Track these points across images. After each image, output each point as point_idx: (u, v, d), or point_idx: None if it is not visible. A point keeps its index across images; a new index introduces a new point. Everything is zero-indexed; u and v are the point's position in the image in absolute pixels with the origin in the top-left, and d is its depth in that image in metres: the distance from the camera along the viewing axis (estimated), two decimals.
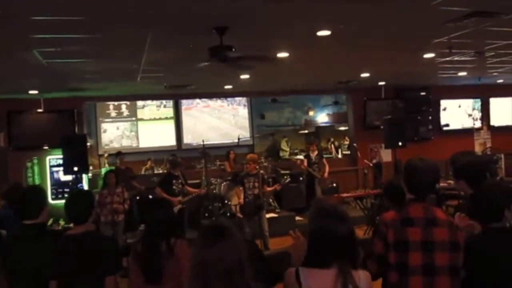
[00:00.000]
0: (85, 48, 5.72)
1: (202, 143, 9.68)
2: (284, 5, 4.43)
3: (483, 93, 12.33)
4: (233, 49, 5.02)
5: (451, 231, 2.51)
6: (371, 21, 5.19)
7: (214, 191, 9.56)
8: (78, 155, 7.35)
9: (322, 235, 2.17)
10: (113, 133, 14.70)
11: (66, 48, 5.64)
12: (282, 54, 6.56)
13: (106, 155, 12.51)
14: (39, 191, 3.47)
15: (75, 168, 7.30)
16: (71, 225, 3.16)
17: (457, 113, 12.39)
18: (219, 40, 5.04)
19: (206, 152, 9.78)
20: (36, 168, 9.69)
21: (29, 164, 9.66)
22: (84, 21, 4.58)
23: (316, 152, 9.87)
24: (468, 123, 12.51)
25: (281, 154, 14.48)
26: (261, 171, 8.08)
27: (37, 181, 9.53)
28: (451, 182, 5.68)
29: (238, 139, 12.10)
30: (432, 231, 2.49)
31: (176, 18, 4.68)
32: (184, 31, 5.13)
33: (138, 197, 9.06)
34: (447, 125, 12.27)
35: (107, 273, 2.93)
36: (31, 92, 8.68)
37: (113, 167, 9.53)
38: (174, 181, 7.75)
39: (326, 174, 9.67)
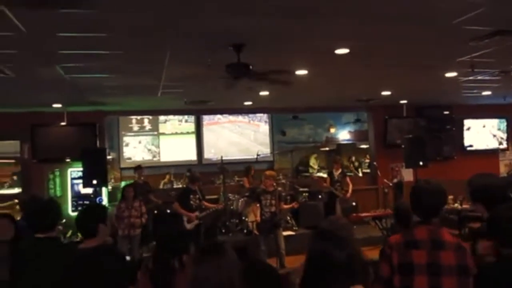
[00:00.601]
0: (106, 64, 5.83)
1: (221, 158, 9.73)
2: (301, 23, 4.44)
3: (509, 113, 12.06)
4: (250, 66, 5.03)
5: (459, 255, 2.44)
6: (390, 40, 5.15)
7: (232, 207, 9.53)
8: (97, 168, 7.44)
9: (318, 260, 2.13)
10: (135, 147, 14.87)
11: (88, 64, 5.76)
12: (301, 72, 6.56)
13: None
14: (55, 204, 3.50)
15: (94, 181, 7.39)
16: None
17: (481, 133, 12.12)
18: (237, 57, 5.07)
19: (224, 167, 9.78)
20: (57, 180, 9.85)
21: (51, 176, 9.83)
22: (105, 38, 4.68)
23: (339, 171, 9.76)
24: (492, 144, 12.20)
25: (310, 170, 14.38)
26: (279, 188, 8.01)
27: (58, 193, 9.69)
28: None
29: (257, 155, 12.07)
30: (438, 255, 2.44)
31: (194, 36, 4.73)
32: (202, 48, 5.18)
33: (155, 211, 9.09)
34: (470, 145, 11.99)
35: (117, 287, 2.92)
36: (54, 105, 8.87)
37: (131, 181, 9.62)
38: (191, 196, 7.75)
39: (349, 194, 9.53)
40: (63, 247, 3.65)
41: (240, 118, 15.52)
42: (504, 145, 12.30)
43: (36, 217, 3.33)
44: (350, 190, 9.56)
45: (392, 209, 9.40)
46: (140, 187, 8.66)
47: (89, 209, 3.45)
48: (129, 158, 14.56)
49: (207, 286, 1.91)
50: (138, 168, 9.61)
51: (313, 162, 14.85)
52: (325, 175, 10.70)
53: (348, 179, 9.80)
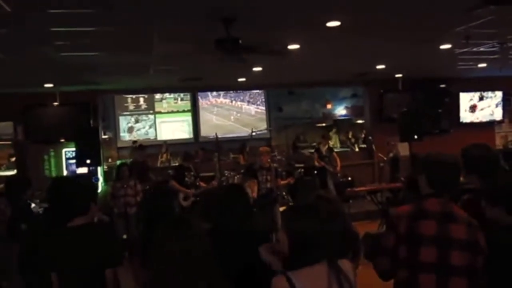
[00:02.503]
0: (96, 41, 5.75)
1: (216, 136, 9.72)
2: None
3: (505, 85, 11.97)
4: (240, 41, 4.96)
5: (470, 230, 2.34)
6: (381, 11, 5.08)
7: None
8: (91, 148, 7.41)
9: (299, 236, 2.11)
10: (131, 126, 14.82)
11: (78, 41, 5.68)
12: (293, 46, 6.48)
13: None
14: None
15: (88, 161, 7.36)
16: None
17: (477, 106, 12.08)
18: (226, 32, 5.00)
19: (219, 145, 9.77)
20: (52, 161, 9.85)
21: (46, 157, 9.82)
22: (94, 14, 4.60)
23: (326, 146, 9.82)
24: (488, 116, 12.18)
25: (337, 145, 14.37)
26: (274, 165, 8.02)
27: (53, 174, 9.69)
28: None
29: (252, 131, 12.07)
30: (448, 227, 2.34)
31: (183, 10, 4.65)
32: (191, 23, 5.10)
33: (152, 190, 9.09)
34: (467, 118, 11.97)
35: (106, 266, 2.92)
36: (46, 85, 8.79)
37: (127, 160, 9.61)
38: (186, 173, 7.76)
39: (338, 168, 9.60)
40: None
41: (221, 98, 15.38)
42: (500, 118, 12.27)
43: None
44: (338, 165, 9.61)
45: (387, 183, 9.55)
46: (139, 166, 8.64)
47: (82, 187, 3.44)
48: (126, 137, 14.55)
49: (178, 260, 1.91)
50: (140, 148, 9.55)
51: (335, 138, 14.78)
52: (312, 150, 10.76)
53: (335, 154, 9.87)
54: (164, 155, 12.85)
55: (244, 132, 14.44)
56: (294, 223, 2.16)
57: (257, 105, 15.75)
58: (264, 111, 15.79)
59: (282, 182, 8.01)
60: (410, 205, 2.51)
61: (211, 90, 14.15)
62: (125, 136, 14.65)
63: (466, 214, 2.44)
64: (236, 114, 15.56)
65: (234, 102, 15.57)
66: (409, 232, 2.38)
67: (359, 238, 3.04)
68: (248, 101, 15.69)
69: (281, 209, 8.14)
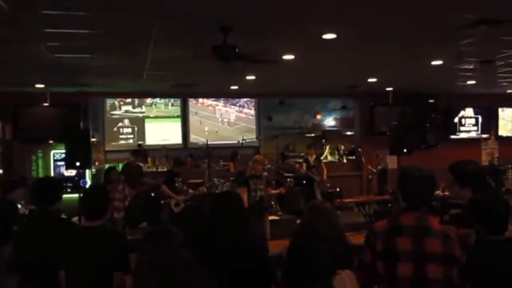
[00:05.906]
0: (90, 44, 5.73)
1: (206, 142, 9.72)
2: (289, 7, 4.39)
3: (492, 102, 12.21)
4: (237, 49, 4.98)
5: (445, 243, 2.39)
6: (376, 26, 5.14)
7: (216, 191, 9.52)
8: (81, 150, 7.35)
9: (298, 256, 2.11)
10: (120, 129, 14.69)
11: (72, 43, 5.65)
12: (288, 56, 6.52)
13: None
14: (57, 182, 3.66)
15: (78, 163, 7.30)
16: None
17: (465, 122, 12.27)
18: (224, 40, 5.02)
19: (209, 152, 9.76)
20: (40, 162, 9.73)
21: (33, 158, 9.71)
22: (90, 16, 4.58)
23: (314, 156, 9.92)
24: (475, 133, 12.37)
25: (333, 158, 14.34)
26: (265, 173, 8.02)
27: (41, 175, 9.57)
28: None
29: (243, 140, 12.08)
30: (423, 242, 2.38)
31: (181, 17, 4.66)
32: (189, 30, 5.11)
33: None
34: (454, 133, 12.14)
35: (116, 268, 2.92)
36: (37, 85, 8.71)
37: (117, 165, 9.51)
38: (176, 179, 7.73)
39: (325, 177, 9.68)
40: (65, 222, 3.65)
41: (226, 103, 15.26)
42: (487, 134, 12.47)
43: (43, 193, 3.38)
44: (325, 174, 9.75)
45: (375, 195, 9.63)
46: (133, 170, 8.55)
47: (96, 190, 3.49)
48: (114, 141, 14.40)
49: (157, 268, 1.93)
50: (137, 152, 9.45)
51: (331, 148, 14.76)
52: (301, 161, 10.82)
53: (322, 164, 10.00)
54: (150, 161, 12.69)
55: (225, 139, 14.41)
56: (297, 240, 2.14)
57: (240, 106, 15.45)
58: (251, 118, 15.67)
59: (273, 191, 8.03)
60: (386, 220, 2.55)
61: (202, 97, 14.12)
62: (113, 139, 14.49)
63: (442, 226, 2.49)
64: (240, 119, 15.38)
65: (237, 107, 15.25)
66: (385, 249, 2.42)
67: (351, 249, 3.06)
68: (251, 107, 15.33)
69: (269, 218, 8.18)
